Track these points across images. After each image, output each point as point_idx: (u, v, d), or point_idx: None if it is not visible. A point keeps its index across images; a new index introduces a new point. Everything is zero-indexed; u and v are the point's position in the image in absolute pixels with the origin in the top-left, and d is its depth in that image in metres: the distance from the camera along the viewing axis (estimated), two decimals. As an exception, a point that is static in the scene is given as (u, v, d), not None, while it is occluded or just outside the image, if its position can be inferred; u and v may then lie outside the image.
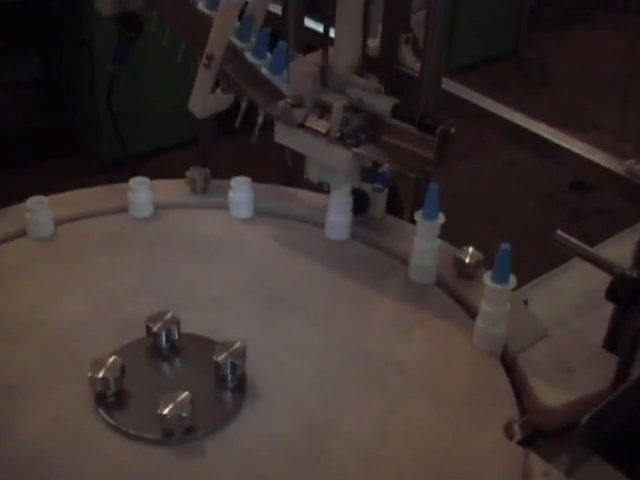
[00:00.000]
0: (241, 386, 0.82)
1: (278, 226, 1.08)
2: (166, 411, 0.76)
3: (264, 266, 1.02)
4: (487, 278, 0.87)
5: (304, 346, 0.90)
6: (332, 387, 0.85)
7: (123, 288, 0.96)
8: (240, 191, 1.08)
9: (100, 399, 0.80)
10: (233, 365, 0.81)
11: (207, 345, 0.84)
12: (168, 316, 0.86)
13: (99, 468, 0.75)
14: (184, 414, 0.76)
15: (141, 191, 1.07)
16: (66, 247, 1.02)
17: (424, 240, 0.97)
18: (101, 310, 0.93)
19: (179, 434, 0.77)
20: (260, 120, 1.05)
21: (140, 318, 0.88)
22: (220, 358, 0.81)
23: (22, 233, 1.04)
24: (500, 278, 0.86)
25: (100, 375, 0.80)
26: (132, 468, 0.76)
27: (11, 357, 0.87)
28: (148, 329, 0.85)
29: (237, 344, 0.82)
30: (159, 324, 0.85)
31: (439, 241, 0.98)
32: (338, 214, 1.05)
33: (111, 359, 0.81)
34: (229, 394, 0.82)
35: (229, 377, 0.81)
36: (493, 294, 0.87)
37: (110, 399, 0.80)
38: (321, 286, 0.99)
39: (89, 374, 0.80)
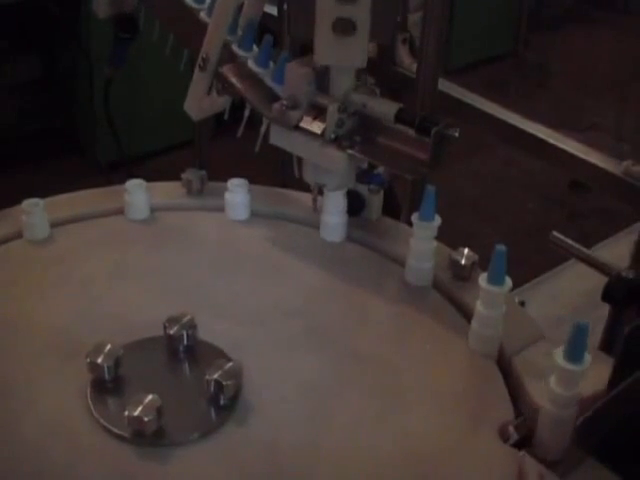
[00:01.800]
0: (232, 404, 0.80)
1: (274, 228, 1.08)
2: (132, 412, 0.76)
3: (261, 269, 1.01)
4: (482, 280, 0.86)
5: (299, 349, 0.90)
6: (326, 390, 0.85)
7: (120, 291, 0.96)
8: (237, 193, 1.08)
9: (95, 385, 0.81)
10: (222, 385, 0.79)
11: (218, 357, 0.83)
12: (186, 319, 0.86)
13: (68, 448, 0.77)
14: (147, 418, 0.76)
15: (138, 193, 1.07)
16: (62, 249, 1.02)
17: (420, 242, 0.97)
18: (98, 312, 0.93)
19: (148, 437, 0.76)
20: (263, 129, 1.05)
21: (136, 321, 0.88)
22: (212, 377, 0.79)
23: (19, 235, 1.04)
24: (495, 280, 0.86)
25: (96, 361, 0.81)
26: (99, 460, 0.76)
27: (5, 359, 0.86)
28: (165, 328, 0.86)
29: (230, 364, 0.80)
30: (176, 326, 0.85)
31: (435, 243, 0.97)
32: (334, 215, 1.04)
33: (108, 347, 0.82)
34: (215, 410, 0.80)
35: (219, 397, 0.79)
36: (488, 296, 0.87)
37: (107, 385, 0.82)
38: (317, 289, 0.99)
39: (87, 359, 0.81)
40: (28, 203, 1.02)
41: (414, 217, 0.95)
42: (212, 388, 0.79)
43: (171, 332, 0.85)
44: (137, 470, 0.76)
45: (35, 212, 1.02)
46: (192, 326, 0.86)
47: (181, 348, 0.86)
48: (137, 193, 1.07)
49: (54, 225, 1.04)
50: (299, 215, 1.09)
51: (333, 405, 0.83)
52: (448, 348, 0.90)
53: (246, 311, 0.94)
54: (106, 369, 0.81)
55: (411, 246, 0.97)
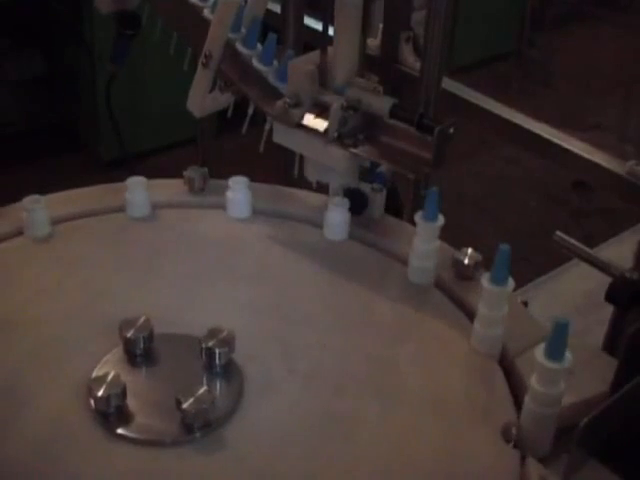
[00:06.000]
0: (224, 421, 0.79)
1: (276, 226, 1.07)
2: (94, 389, 0.77)
3: (263, 268, 1.01)
4: (485, 280, 0.86)
5: (300, 347, 0.89)
6: (328, 389, 0.84)
7: (120, 288, 0.96)
8: (238, 190, 1.07)
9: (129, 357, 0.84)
10: (187, 411, 0.77)
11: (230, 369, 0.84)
12: (224, 334, 0.84)
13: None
14: (108, 395, 0.76)
15: (138, 191, 1.07)
16: (63, 247, 1.02)
17: (423, 242, 0.96)
18: (98, 310, 0.92)
19: (112, 418, 0.77)
20: (267, 127, 1.04)
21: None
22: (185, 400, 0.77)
23: (19, 232, 1.03)
24: (498, 280, 0.85)
25: (128, 335, 0.83)
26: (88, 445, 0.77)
27: (6, 356, 0.86)
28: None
29: (204, 389, 0.78)
30: (213, 340, 0.83)
31: (438, 242, 0.97)
32: (337, 213, 1.04)
33: (142, 318, 0.84)
34: (183, 426, 0.78)
35: (191, 418, 0.78)
36: (491, 296, 0.86)
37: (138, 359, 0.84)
38: (319, 287, 0.98)
39: (120, 332, 0.83)
40: (29, 200, 1.02)
41: (417, 217, 0.95)
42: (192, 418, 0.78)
43: (209, 345, 0.83)
44: (87, 449, 0.76)
45: (36, 209, 1.02)
46: (230, 341, 0.84)
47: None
48: (138, 190, 1.06)
49: (55, 222, 1.04)
50: (301, 213, 1.09)
51: (333, 405, 0.83)
52: (450, 348, 0.90)
53: (246, 310, 0.94)
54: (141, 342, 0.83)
55: (414, 246, 0.97)
